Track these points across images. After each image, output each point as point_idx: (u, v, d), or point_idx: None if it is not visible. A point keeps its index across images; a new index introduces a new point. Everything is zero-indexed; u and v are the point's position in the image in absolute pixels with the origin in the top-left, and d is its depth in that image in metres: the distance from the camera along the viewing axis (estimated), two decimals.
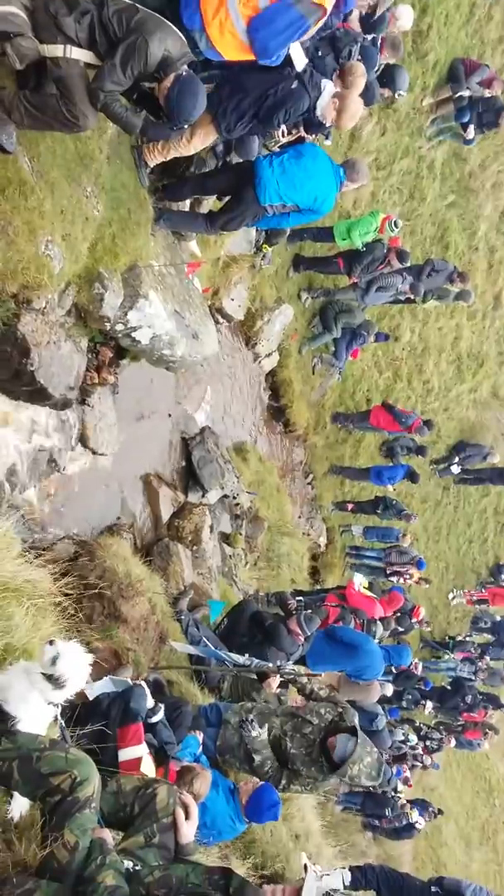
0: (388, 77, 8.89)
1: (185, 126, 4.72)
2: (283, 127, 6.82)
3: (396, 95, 9.37)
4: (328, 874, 6.15)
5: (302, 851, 4.88)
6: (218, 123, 5.27)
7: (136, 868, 2.74)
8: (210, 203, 6.70)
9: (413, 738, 14.10)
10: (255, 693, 6.00)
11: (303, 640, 7.18)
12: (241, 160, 6.17)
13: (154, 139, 5.26)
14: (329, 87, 5.36)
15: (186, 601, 6.77)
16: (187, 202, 6.48)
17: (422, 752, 14.44)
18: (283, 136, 6.77)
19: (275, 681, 6.01)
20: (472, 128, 12.22)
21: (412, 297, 11.39)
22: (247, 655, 6.02)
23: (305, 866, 3.18)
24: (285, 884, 3.10)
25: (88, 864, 2.57)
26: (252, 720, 5.21)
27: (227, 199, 6.09)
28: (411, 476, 13.81)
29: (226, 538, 9.11)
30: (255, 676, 6.13)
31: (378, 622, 9.62)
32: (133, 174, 5.54)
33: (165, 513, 7.48)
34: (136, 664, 5.22)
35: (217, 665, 6.08)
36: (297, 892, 2.98)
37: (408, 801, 13.22)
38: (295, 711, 5.39)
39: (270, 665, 5.93)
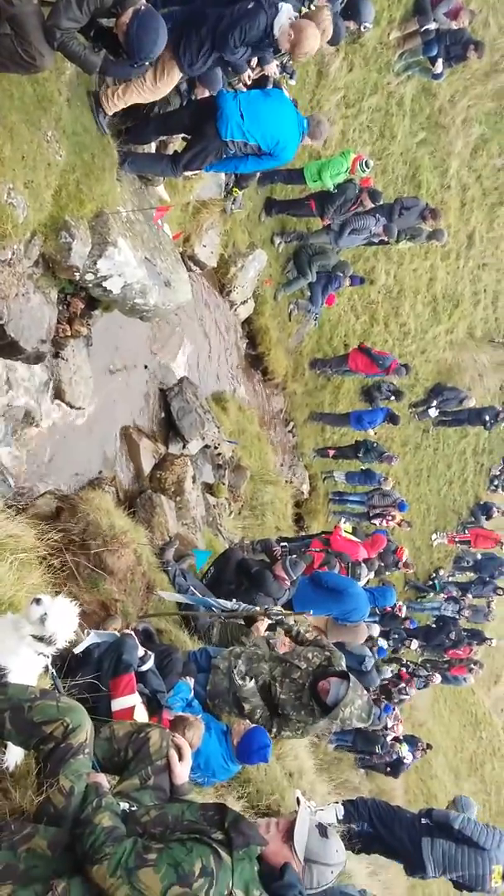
0: (352, 9, 8.65)
1: (147, 63, 4.57)
2: (247, 69, 6.65)
3: (362, 28, 9.13)
4: (322, 809, 6.31)
5: (296, 788, 4.97)
6: (180, 59, 5.10)
7: (133, 808, 2.78)
8: (176, 145, 6.54)
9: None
10: (243, 637, 6.06)
11: (289, 584, 7.24)
12: (203, 96, 5.98)
13: (115, 77, 5.08)
14: (286, 7, 5.17)
15: (172, 551, 6.79)
16: (153, 144, 6.33)
17: (405, 685, 14.68)
18: (248, 78, 6.60)
19: (263, 624, 6.07)
20: (440, 61, 11.97)
21: (386, 238, 11.26)
22: (234, 601, 6.07)
23: (298, 800, 3.25)
24: (279, 817, 3.16)
25: (85, 807, 2.62)
26: (240, 670, 5.26)
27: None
28: (391, 418, 13.87)
29: (209, 488, 9.11)
30: (242, 622, 6.18)
31: (362, 564, 9.73)
32: (93, 117, 5.36)
33: (147, 465, 7.45)
34: (124, 614, 5.24)
35: (205, 612, 6.13)
36: (291, 825, 3.04)
37: (396, 738, 13.55)
38: (283, 657, 5.45)
39: (258, 608, 5.99)
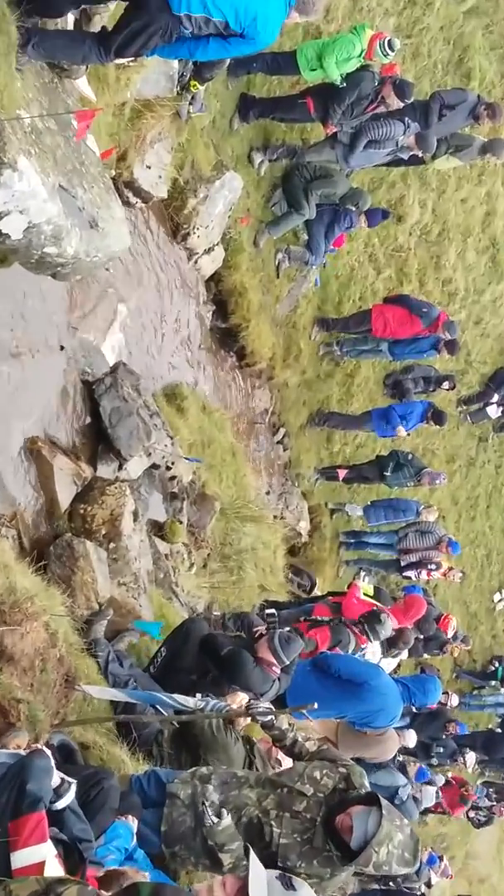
0: None
1: None
2: None
3: None
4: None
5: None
6: None
7: None
8: (105, 18, 6.58)
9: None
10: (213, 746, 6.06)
11: (279, 671, 7.24)
12: None
13: None
14: None
15: (103, 625, 6.78)
16: (69, 17, 6.36)
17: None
18: None
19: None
20: None
21: (420, 153, 11.32)
22: (199, 696, 6.06)
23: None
24: (225, 877, 3.30)
25: None
26: (208, 804, 5.24)
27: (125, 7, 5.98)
28: (435, 416, 13.88)
29: (159, 529, 9.12)
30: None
31: (383, 617, 9.57)
32: None
33: (65, 496, 7.44)
34: (31, 722, 5.23)
35: (153, 714, 6.12)
36: (243, 882, 3.15)
37: None
38: (277, 779, 5.43)
39: (234, 706, 5.99)
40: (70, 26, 6.47)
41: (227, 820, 5.13)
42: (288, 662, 7.36)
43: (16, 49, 5.71)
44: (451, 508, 17.79)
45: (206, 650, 7.17)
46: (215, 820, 5.13)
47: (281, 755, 6.12)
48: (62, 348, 7.85)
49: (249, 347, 11.97)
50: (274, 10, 5.99)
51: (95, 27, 6.57)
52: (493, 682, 18.74)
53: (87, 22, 6.63)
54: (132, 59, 6.44)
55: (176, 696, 6.09)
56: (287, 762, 5.94)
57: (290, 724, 5.93)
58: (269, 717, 5.82)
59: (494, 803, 16.23)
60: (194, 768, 5.64)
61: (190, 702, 6.01)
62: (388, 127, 10.67)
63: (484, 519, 19.05)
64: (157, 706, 6.16)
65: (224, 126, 10.39)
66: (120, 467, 8.19)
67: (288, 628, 8.20)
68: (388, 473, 14.16)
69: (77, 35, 6.35)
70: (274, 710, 5.96)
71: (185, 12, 5.69)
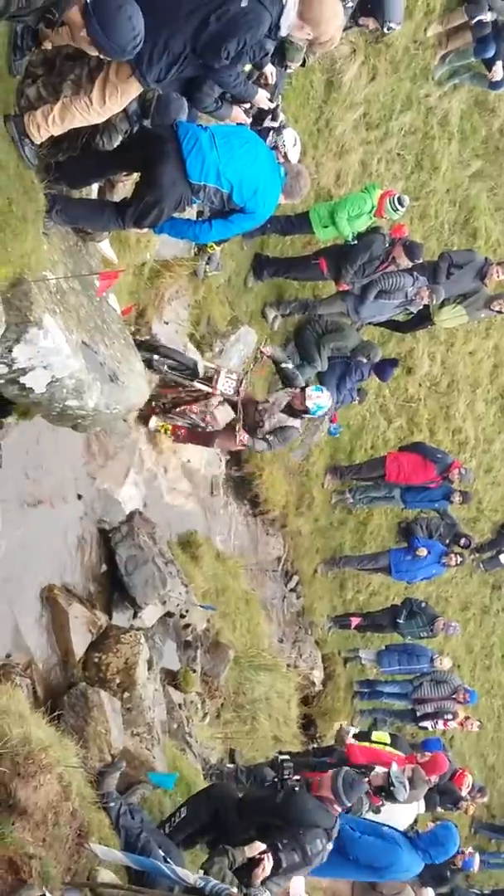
0: (373, 1, 9.24)
1: (132, 53, 4.92)
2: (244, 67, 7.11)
3: (385, 29, 9.70)
4: None
5: None
6: (142, 72, 5.43)
7: None
8: (128, 186, 6.82)
9: None
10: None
11: (340, 811, 7.23)
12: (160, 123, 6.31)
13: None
14: None
15: (115, 778, 6.68)
16: (94, 186, 6.62)
17: None
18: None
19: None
20: (499, 65, 12.65)
21: (428, 301, 11.41)
22: (200, 873, 5.98)
23: None
24: None
25: None
26: None
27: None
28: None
29: (173, 678, 9.04)
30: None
31: (399, 773, 9.21)
32: (13, 148, 5.65)
33: (79, 644, 7.41)
34: (43, 878, 5.13)
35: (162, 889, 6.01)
36: None
37: None
38: None
39: (234, 892, 5.90)
40: (94, 194, 6.72)
41: None
42: (349, 805, 7.29)
43: (43, 215, 5.94)
44: (465, 657, 17.57)
45: (252, 809, 7.10)
46: None
47: None
48: (80, 497, 7.95)
49: (263, 495, 12.02)
50: (271, 185, 6.30)
51: (118, 195, 6.82)
52: None
53: (110, 189, 6.88)
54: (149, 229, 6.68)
55: (178, 869, 6.00)
56: None
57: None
58: None
59: None
60: None
61: (191, 878, 5.94)
62: (398, 278, 10.86)
63: (500, 668, 18.78)
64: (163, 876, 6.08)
65: (239, 284, 10.68)
66: (135, 615, 8.18)
67: (354, 771, 8.07)
68: (401, 621, 14.06)
69: (98, 205, 6.55)
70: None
71: (202, 181, 5.94)
